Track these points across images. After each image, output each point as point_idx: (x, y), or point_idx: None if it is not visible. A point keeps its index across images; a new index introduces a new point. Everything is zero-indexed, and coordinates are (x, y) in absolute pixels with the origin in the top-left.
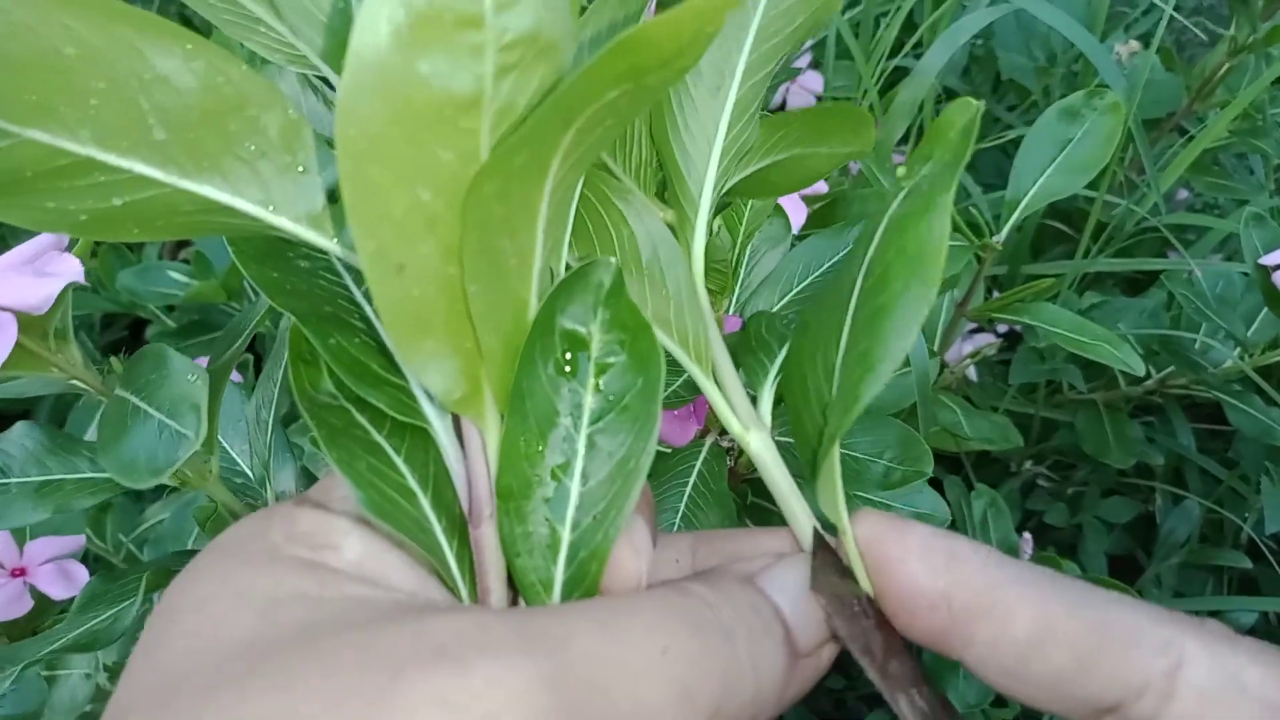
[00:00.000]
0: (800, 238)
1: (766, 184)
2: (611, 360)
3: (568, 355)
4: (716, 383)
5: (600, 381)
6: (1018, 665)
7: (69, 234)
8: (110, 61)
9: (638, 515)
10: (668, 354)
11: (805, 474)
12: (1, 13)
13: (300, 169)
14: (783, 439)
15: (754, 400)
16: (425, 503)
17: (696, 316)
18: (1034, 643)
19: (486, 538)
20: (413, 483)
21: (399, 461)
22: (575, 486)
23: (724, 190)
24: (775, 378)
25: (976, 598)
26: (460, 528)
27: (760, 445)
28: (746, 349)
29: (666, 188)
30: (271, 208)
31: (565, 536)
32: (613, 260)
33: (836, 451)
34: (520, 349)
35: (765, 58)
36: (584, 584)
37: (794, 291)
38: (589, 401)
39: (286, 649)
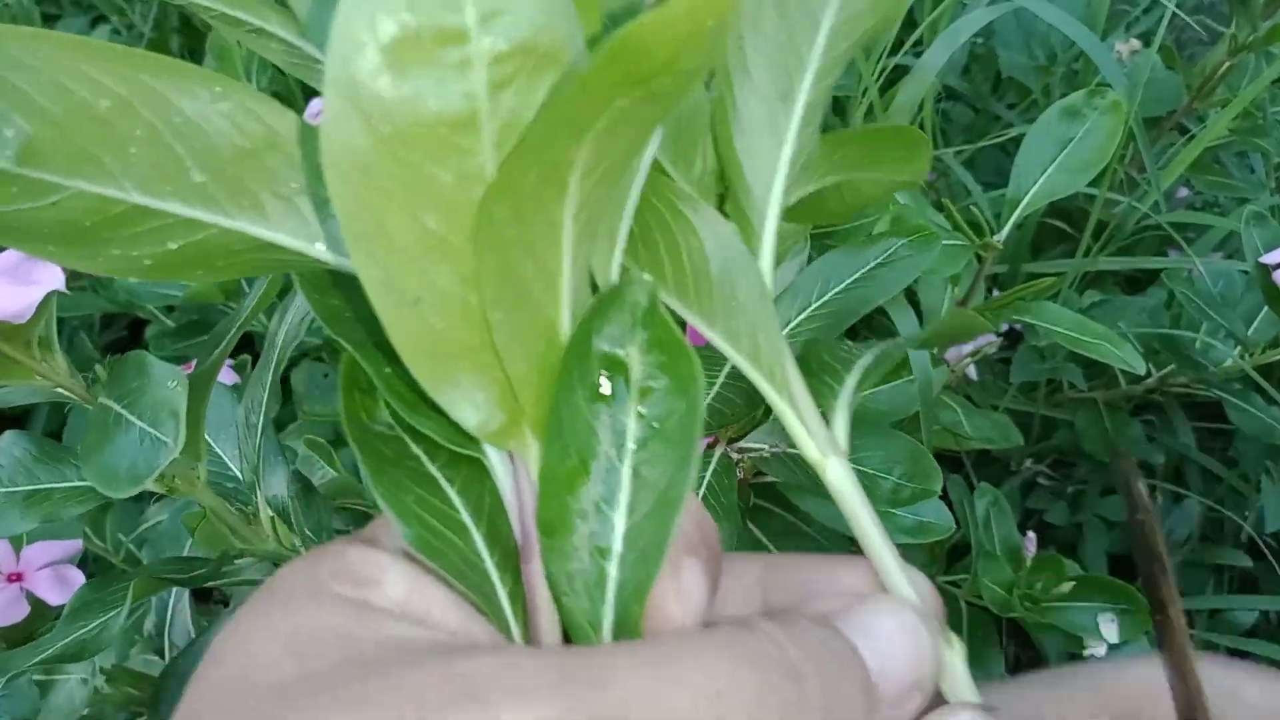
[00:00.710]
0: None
1: (823, 208)
2: (653, 384)
3: (606, 380)
4: (792, 405)
5: (642, 407)
6: None
7: (139, 278)
8: (141, 110)
9: (691, 558)
10: (734, 372)
11: None
12: (35, 72)
13: None
14: (859, 468)
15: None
16: (478, 537)
17: (770, 332)
18: None
19: (536, 574)
20: (465, 516)
21: (452, 494)
22: (621, 519)
23: (788, 206)
24: (850, 401)
25: None
26: (515, 564)
27: (840, 473)
28: (806, 372)
29: (727, 199)
30: (316, 243)
31: (612, 573)
32: (648, 278)
33: None
34: (556, 375)
35: (835, 62)
36: (629, 624)
37: (812, 307)
38: (632, 428)
39: (318, 691)
